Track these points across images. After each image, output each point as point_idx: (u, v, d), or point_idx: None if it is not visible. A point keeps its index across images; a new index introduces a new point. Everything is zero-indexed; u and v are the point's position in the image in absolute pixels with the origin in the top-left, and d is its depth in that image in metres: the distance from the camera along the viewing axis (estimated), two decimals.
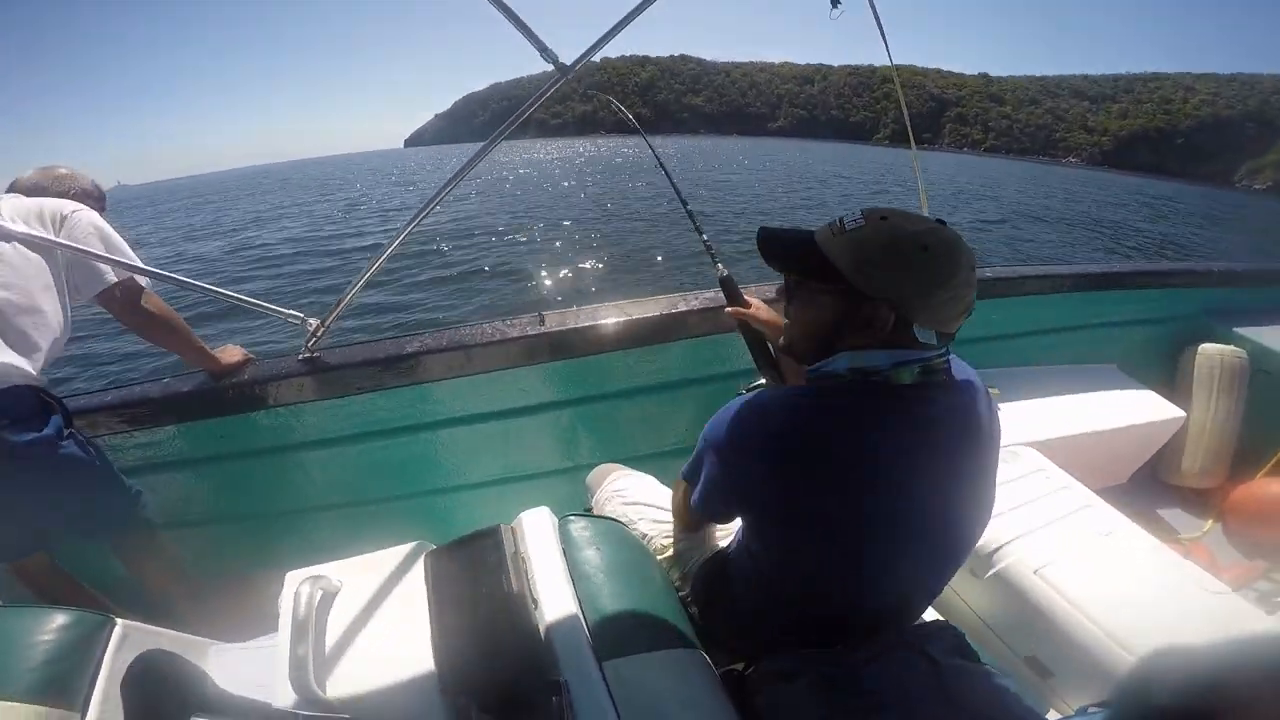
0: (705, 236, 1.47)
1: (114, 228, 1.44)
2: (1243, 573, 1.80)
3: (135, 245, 1.47)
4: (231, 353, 1.59)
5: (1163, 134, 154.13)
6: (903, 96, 1.85)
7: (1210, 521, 2.08)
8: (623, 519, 1.30)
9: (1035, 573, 1.26)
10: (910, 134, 1.97)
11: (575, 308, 1.73)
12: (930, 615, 1.18)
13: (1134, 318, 2.34)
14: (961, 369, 0.88)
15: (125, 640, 1.02)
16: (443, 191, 1.48)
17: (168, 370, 1.73)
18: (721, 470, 0.87)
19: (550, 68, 1.38)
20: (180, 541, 1.65)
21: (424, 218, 1.51)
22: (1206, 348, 2.24)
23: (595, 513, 1.37)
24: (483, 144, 1.49)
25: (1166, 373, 2.33)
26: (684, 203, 1.55)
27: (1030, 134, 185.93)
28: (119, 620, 1.05)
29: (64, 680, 0.87)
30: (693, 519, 1.10)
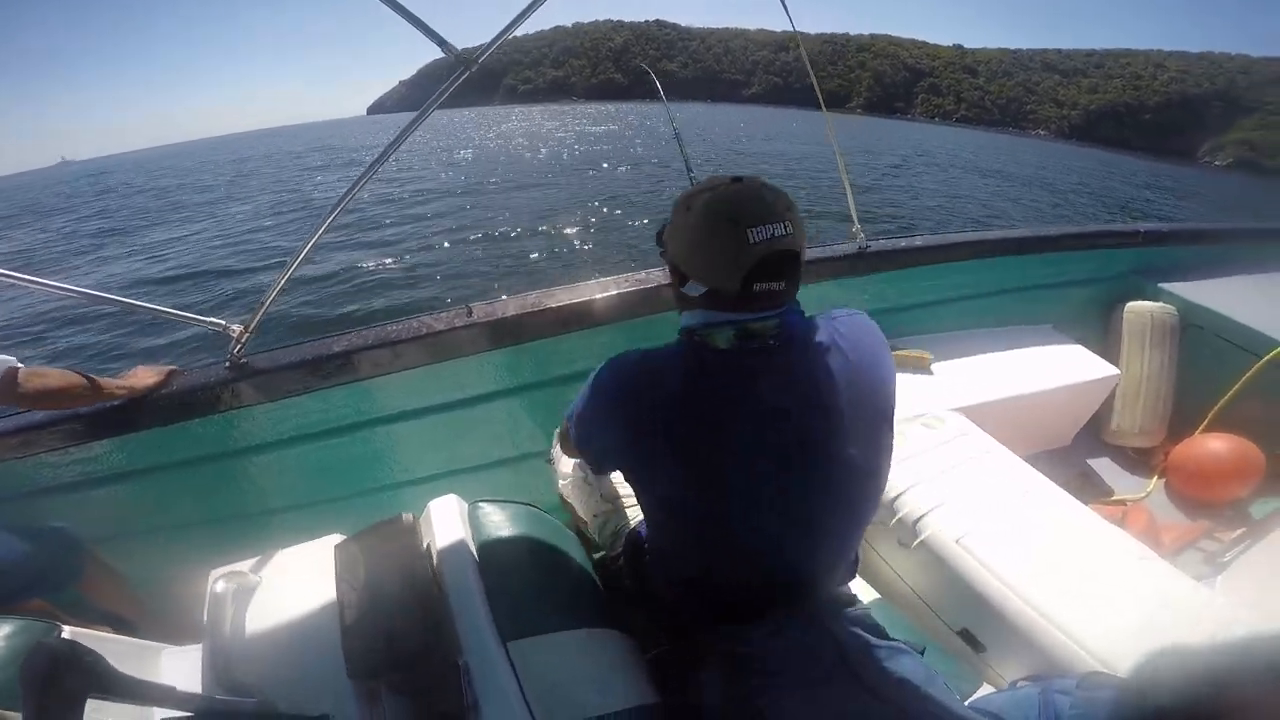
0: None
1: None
2: (1184, 533, 1.78)
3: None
4: (143, 375, 1.52)
5: (1130, 109, 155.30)
6: (808, 61, 1.83)
7: (1153, 481, 2.06)
8: (576, 495, 1.32)
9: (957, 542, 1.24)
10: (820, 99, 1.93)
11: (504, 296, 1.72)
12: (861, 587, 1.19)
13: (1066, 279, 2.38)
14: (826, 329, 0.85)
15: None
16: (359, 183, 1.49)
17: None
18: (585, 414, 0.90)
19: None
20: (129, 551, 1.67)
21: (341, 211, 1.48)
22: (1135, 305, 2.28)
23: (560, 477, 1.39)
24: (395, 136, 1.49)
25: (1099, 332, 2.38)
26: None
27: (1001, 106, 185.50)
28: (65, 626, 1.09)
29: (11, 686, 0.90)
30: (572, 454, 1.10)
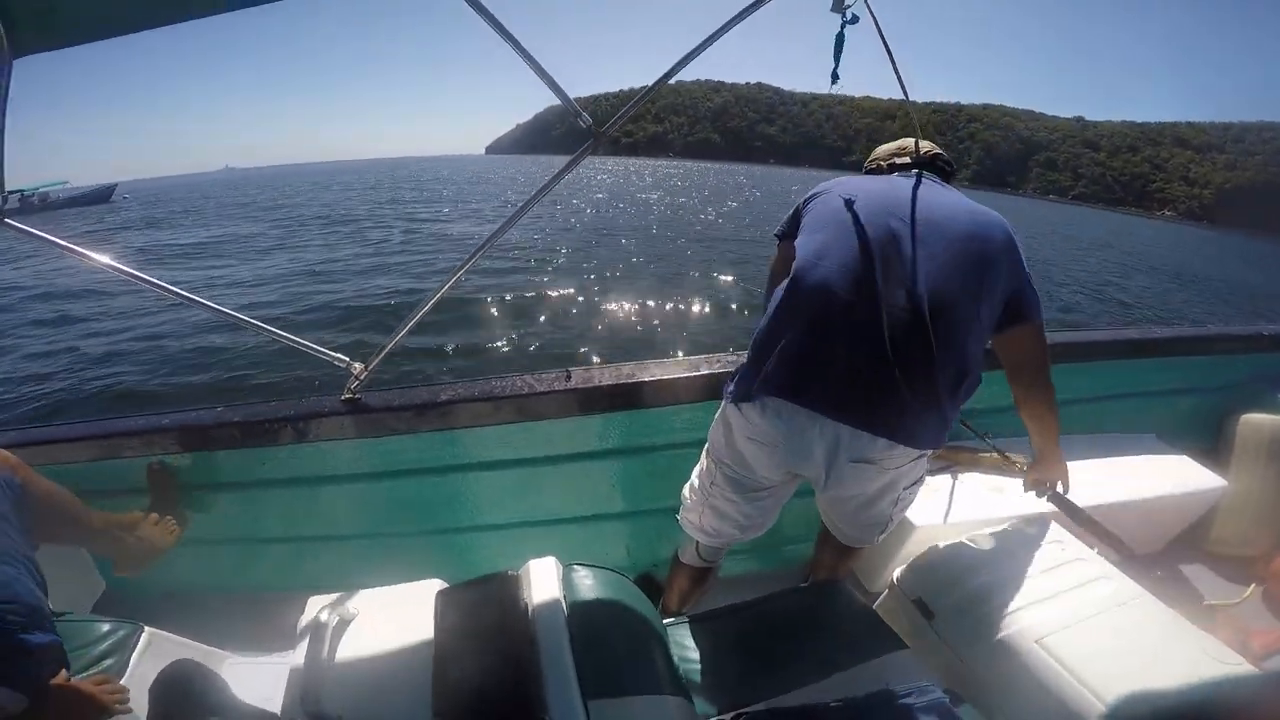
0: None
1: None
2: (1275, 639, 1.68)
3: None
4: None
5: (1272, 188, 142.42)
6: (918, 129, 1.49)
7: (1250, 588, 1.95)
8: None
9: (1037, 642, 1.21)
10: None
11: (602, 365, 1.80)
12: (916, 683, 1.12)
13: (1175, 387, 2.26)
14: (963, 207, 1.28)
15: (149, 647, 1.24)
16: (484, 245, 1.57)
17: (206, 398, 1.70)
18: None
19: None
20: (210, 557, 1.82)
21: (466, 269, 1.56)
22: (1251, 417, 2.14)
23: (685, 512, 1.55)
24: (524, 201, 1.56)
25: (1208, 441, 2.25)
26: None
27: (1124, 183, 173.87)
28: (146, 628, 1.26)
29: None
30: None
